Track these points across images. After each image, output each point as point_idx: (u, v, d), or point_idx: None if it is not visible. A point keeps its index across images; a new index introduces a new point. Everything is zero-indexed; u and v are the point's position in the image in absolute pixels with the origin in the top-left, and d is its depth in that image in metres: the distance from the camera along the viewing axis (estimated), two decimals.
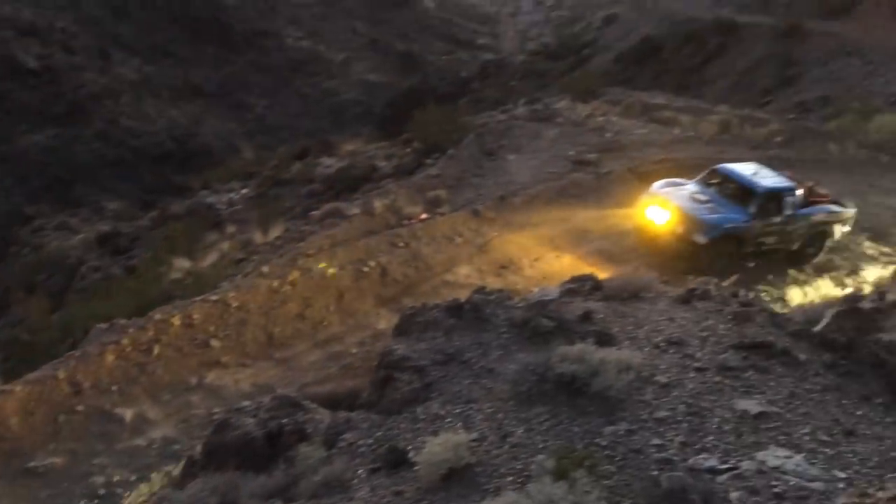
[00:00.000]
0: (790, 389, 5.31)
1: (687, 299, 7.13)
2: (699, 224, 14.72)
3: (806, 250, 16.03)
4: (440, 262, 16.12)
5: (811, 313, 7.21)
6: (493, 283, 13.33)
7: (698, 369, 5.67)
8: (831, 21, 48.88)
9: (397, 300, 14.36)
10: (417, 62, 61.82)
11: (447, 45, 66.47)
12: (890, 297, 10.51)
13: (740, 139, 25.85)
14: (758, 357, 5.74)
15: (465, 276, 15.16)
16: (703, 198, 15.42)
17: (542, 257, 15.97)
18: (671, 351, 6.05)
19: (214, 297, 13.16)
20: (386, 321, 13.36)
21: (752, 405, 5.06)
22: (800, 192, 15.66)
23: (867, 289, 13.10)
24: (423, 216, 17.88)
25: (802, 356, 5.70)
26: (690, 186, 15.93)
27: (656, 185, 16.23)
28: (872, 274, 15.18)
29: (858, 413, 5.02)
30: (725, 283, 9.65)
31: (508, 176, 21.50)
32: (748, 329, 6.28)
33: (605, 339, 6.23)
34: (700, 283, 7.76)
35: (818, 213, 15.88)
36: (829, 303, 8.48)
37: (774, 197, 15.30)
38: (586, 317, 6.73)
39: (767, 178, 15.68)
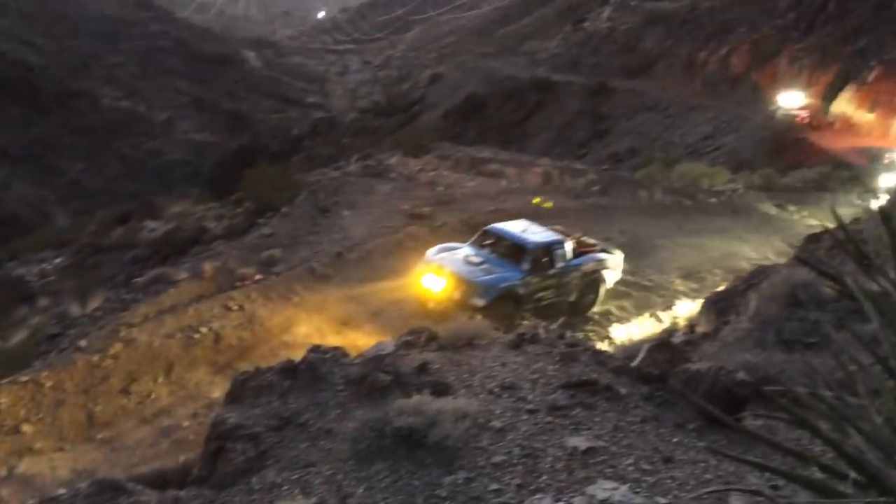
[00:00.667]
0: (614, 423, 5.59)
1: (518, 344, 7.36)
2: (475, 287, 14.62)
3: (584, 300, 16.40)
4: (277, 323, 15.73)
5: (630, 349, 7.67)
6: (333, 340, 13.13)
7: (530, 411, 5.84)
8: (633, 80, 53.73)
9: (233, 366, 13.78)
10: (247, 121, 60.94)
11: (277, 104, 66.13)
12: (699, 329, 11.44)
13: (561, 189, 27.46)
14: (584, 395, 6.00)
15: (305, 336, 14.84)
16: (477, 260, 15.41)
17: (382, 311, 15.98)
18: (505, 395, 6.20)
19: (24, 378, 12.04)
20: (221, 389, 12.73)
21: (580, 441, 5.27)
22: (569, 244, 16.05)
23: (681, 322, 14.14)
24: (258, 277, 17.43)
25: (623, 390, 6.03)
26: (465, 249, 15.92)
27: (431, 251, 16.15)
28: (685, 309, 16.42)
29: (675, 440, 5.35)
30: (553, 326, 10.12)
31: (344, 232, 21.51)
32: (574, 368, 6.57)
33: (441, 389, 6.28)
34: (529, 327, 8.07)
35: (589, 263, 16.26)
36: (645, 339, 9.09)
37: (546, 251, 15.58)
38: (422, 368, 6.77)
39: (537, 233, 15.98)
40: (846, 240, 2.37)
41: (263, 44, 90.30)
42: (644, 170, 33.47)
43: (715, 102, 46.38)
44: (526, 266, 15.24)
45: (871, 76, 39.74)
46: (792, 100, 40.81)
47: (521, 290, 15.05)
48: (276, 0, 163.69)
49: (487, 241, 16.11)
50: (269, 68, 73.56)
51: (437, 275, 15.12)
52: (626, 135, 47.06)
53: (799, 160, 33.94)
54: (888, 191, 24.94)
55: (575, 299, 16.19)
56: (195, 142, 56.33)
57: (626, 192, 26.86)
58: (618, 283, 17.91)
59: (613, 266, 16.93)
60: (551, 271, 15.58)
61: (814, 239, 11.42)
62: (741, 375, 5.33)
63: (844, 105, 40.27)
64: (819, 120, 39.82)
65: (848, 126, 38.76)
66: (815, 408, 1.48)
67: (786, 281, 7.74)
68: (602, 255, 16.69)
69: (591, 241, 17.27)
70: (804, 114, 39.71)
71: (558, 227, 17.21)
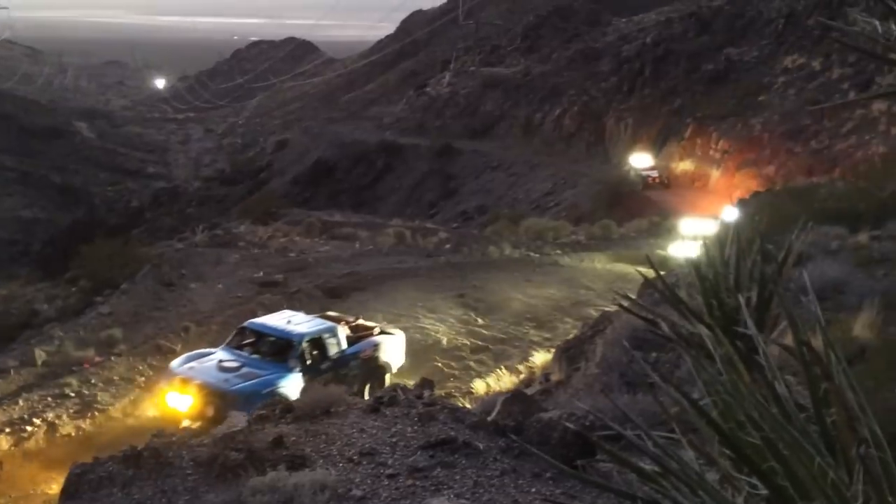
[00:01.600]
0: (474, 479, 5.63)
1: (376, 408, 7.29)
2: (231, 398, 12.07)
3: (368, 388, 14.24)
4: (121, 408, 14.70)
5: (487, 404, 7.80)
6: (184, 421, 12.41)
7: (391, 475, 5.78)
8: (477, 141, 55.95)
9: (72, 458, 12.68)
10: (80, 195, 57.70)
11: (113, 176, 63.17)
12: (553, 377, 11.82)
13: (414, 249, 27.82)
14: (444, 453, 6.01)
15: (152, 420, 13.93)
16: (233, 364, 13.23)
17: None
18: (364, 462, 6.10)
19: None
20: (58, 485, 11.69)
21: (442, 502, 5.25)
22: (342, 331, 14.50)
23: (537, 372, 14.55)
24: (97, 359, 16.28)
25: (482, 445, 6.10)
26: (219, 354, 13.76)
27: (175, 363, 13.91)
28: (539, 358, 16.91)
29: (533, 490, 5.45)
30: (411, 386, 10.10)
31: (192, 305, 20.62)
32: (433, 428, 6.59)
33: (298, 462, 6.08)
34: (387, 390, 8.03)
35: (367, 348, 14.74)
36: (501, 391, 9.29)
37: (315, 343, 13.80)
38: (277, 442, 6.54)
39: (303, 323, 14.24)
40: (663, 286, 2.56)
41: (96, 114, 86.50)
42: (492, 226, 34.63)
43: (553, 160, 49.05)
44: (293, 363, 13.34)
45: (687, 132, 43.57)
46: (642, 161, 42.71)
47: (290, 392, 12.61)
48: (107, 70, 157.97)
49: (246, 341, 14.22)
50: (103, 139, 70.36)
51: (182, 391, 12.64)
52: (473, 193, 48.66)
53: (633, 212, 36.31)
54: (698, 238, 26.67)
55: (358, 389, 13.71)
56: (22, 219, 52.50)
57: (477, 248, 27.59)
58: (475, 336, 18.19)
59: (395, 348, 15.43)
60: (324, 365, 13.75)
61: (649, 285, 12.20)
62: (589, 421, 5.55)
63: (668, 159, 43.76)
64: (670, 179, 41.81)
65: (703, 183, 40.55)
66: (639, 448, 1.56)
67: (626, 326, 8.20)
68: (379, 339, 15.09)
69: (369, 323, 15.83)
70: (654, 173, 41.51)
71: (330, 312, 15.93)
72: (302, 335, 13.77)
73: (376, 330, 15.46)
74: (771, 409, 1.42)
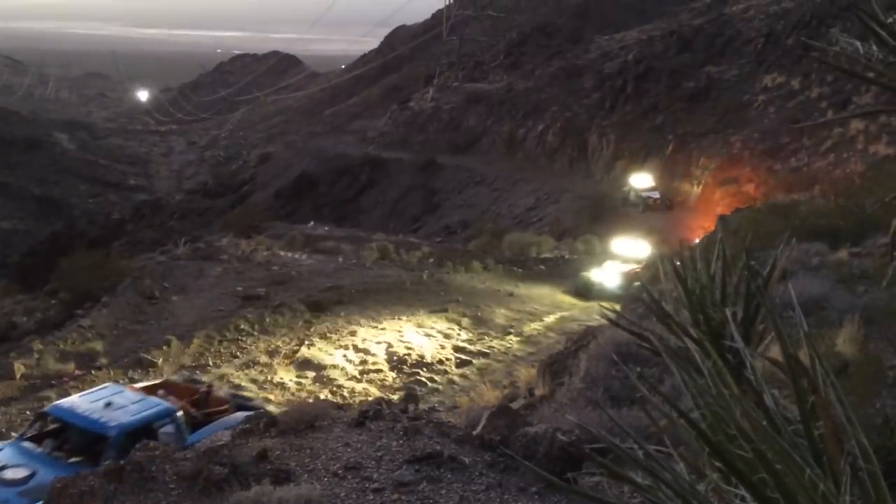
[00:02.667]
0: (460, 494, 5.62)
1: (361, 422, 7.26)
2: None
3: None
4: None
5: (472, 417, 7.79)
6: None
7: (376, 490, 5.75)
8: (460, 156, 56.16)
9: None
10: (60, 206, 57.19)
11: (94, 187, 62.69)
12: (538, 392, 11.84)
13: (398, 263, 27.81)
14: (429, 468, 6.00)
15: None
16: (20, 473, 9.22)
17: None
18: (349, 476, 6.06)
19: None
20: None
21: None
22: (181, 412, 10.57)
23: (522, 386, 14.55)
24: (77, 373, 16.10)
25: (467, 459, 6.09)
26: (5, 452, 9.83)
27: None
28: (524, 373, 16.91)
29: None
30: (396, 399, 10.07)
31: (174, 318, 20.49)
32: (418, 442, 6.56)
33: (282, 477, 6.04)
34: (371, 403, 8.00)
35: (225, 430, 10.10)
36: (487, 406, 9.29)
37: (141, 434, 9.33)
38: (262, 456, 6.49)
39: (125, 407, 10.26)
40: (651, 299, 2.59)
41: (77, 126, 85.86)
42: (476, 241, 34.71)
43: (536, 175, 49.31)
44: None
45: (669, 149, 43.98)
46: (642, 181, 41.69)
47: None
48: (89, 82, 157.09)
49: (48, 430, 10.42)
50: (84, 151, 69.84)
51: None
52: (457, 208, 48.77)
53: (614, 227, 36.54)
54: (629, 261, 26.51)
55: None
56: (1, 230, 51.94)
57: (461, 263, 27.65)
58: (460, 350, 18.18)
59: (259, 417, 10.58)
60: None
61: (634, 300, 12.29)
62: (575, 435, 5.57)
63: (669, 178, 43.56)
64: (672, 200, 40.55)
65: (705, 203, 38.58)
66: (630, 461, 1.58)
67: (610, 341, 8.25)
68: (240, 416, 10.80)
69: (221, 393, 12.40)
70: (656, 195, 40.29)
71: (173, 378, 12.97)
72: (122, 427, 9.76)
73: (231, 406, 11.72)
74: (761, 421, 1.45)
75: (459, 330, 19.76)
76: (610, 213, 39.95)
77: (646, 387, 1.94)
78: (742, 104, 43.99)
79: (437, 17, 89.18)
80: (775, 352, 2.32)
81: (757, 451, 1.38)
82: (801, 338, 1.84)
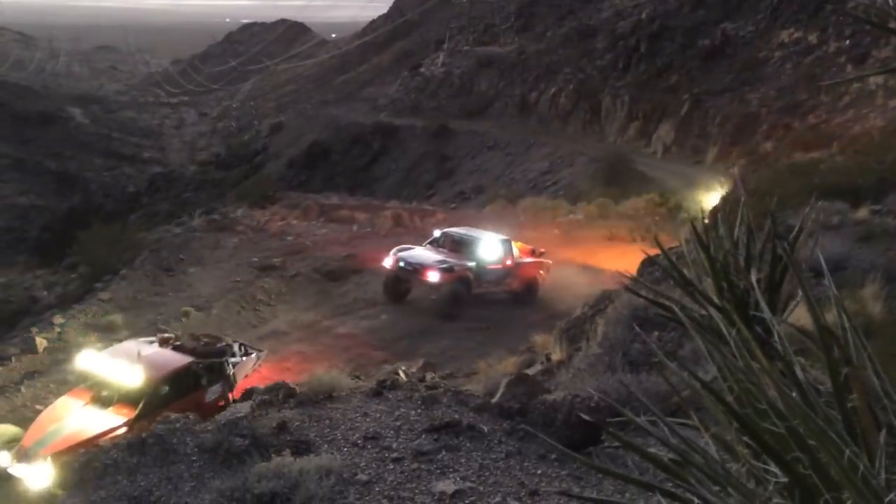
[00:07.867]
0: (479, 462, 5.62)
1: (378, 392, 7.28)
2: None
3: None
4: None
5: (490, 385, 7.79)
6: None
7: (396, 459, 5.77)
8: (472, 120, 55.67)
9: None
10: (76, 180, 57.46)
11: (109, 161, 62.83)
12: (554, 357, 11.80)
13: (413, 230, 27.75)
14: (448, 437, 6.00)
15: None
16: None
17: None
18: (369, 446, 6.09)
19: None
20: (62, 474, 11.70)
21: (448, 485, 5.25)
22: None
23: (539, 352, 14.51)
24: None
25: (486, 428, 6.09)
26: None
27: None
28: (539, 339, 16.85)
29: (539, 472, 5.45)
30: (414, 369, 10.08)
31: (192, 290, 20.62)
32: (437, 411, 6.57)
33: (302, 448, 6.08)
34: (389, 373, 8.02)
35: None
36: (504, 373, 9.28)
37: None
38: (281, 427, 6.53)
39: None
40: (670, 266, 2.50)
41: (90, 99, 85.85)
42: (491, 206, 34.53)
43: (549, 139, 48.80)
44: None
45: (684, 109, 43.31)
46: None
47: None
48: (99, 55, 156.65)
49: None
50: (97, 124, 69.88)
51: None
52: (470, 174, 48.48)
53: (630, 189, 36.16)
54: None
55: None
56: (18, 206, 52.29)
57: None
58: (470, 317, 18.12)
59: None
60: None
61: (650, 263, 12.17)
62: (594, 402, 5.54)
63: (664, 135, 43.55)
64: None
65: (722, 163, 37.46)
66: (654, 436, 1.53)
67: (627, 305, 8.17)
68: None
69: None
70: None
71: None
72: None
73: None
74: (793, 395, 1.39)
75: None
76: (625, 175, 39.54)
77: (669, 359, 1.87)
78: (758, 61, 43.14)
79: None
80: (796, 316, 2.26)
81: (791, 428, 1.32)
82: (828, 302, 1.77)
